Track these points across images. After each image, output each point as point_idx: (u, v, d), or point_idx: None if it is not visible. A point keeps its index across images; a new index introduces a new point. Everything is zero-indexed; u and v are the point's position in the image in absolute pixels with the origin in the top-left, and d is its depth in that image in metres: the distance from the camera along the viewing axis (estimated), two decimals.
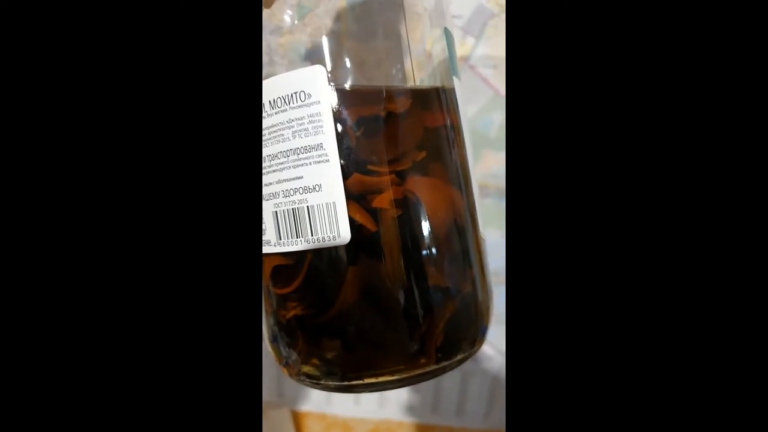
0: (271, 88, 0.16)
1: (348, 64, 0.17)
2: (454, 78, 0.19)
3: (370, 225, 0.16)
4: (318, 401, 0.36)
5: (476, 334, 0.18)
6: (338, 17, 0.18)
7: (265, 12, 0.20)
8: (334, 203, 0.16)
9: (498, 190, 0.30)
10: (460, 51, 0.29)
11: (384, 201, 0.16)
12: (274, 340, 0.19)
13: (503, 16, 0.29)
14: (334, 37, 0.18)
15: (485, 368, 0.33)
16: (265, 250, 0.17)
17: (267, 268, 0.18)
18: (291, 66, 0.20)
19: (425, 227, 0.17)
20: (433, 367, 0.17)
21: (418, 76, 0.19)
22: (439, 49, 0.19)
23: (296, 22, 0.19)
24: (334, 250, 0.16)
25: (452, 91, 0.18)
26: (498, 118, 0.29)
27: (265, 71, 0.20)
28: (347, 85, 0.16)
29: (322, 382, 0.17)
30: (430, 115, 0.18)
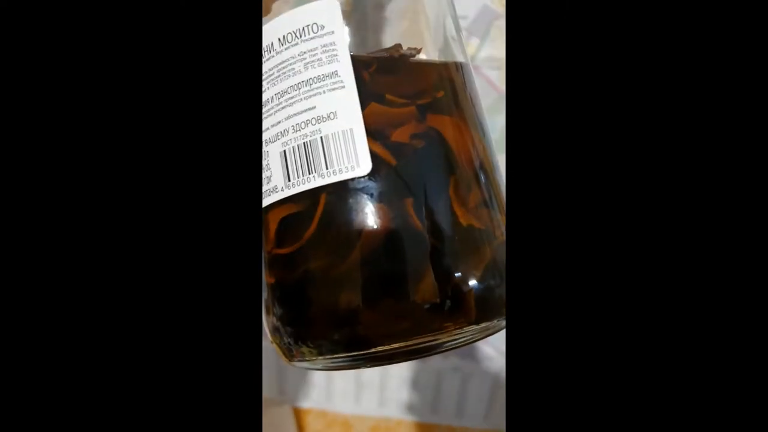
0: (281, 26, 0.15)
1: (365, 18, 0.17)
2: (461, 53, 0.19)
3: (389, 158, 0.14)
4: (319, 398, 0.36)
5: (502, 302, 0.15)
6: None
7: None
8: (351, 130, 0.14)
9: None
10: None
11: (404, 135, 0.15)
12: (275, 331, 0.16)
13: None
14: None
15: (485, 368, 0.32)
16: (271, 200, 0.15)
17: (272, 225, 0.15)
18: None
19: (451, 162, 0.15)
20: (474, 327, 0.14)
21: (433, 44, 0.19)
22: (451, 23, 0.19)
23: None
24: (352, 183, 0.14)
25: (465, 65, 0.18)
26: (501, 119, 0.29)
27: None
28: (363, 26, 0.16)
29: (339, 356, 0.14)
30: (444, 67, 0.17)
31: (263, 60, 0.16)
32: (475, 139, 0.16)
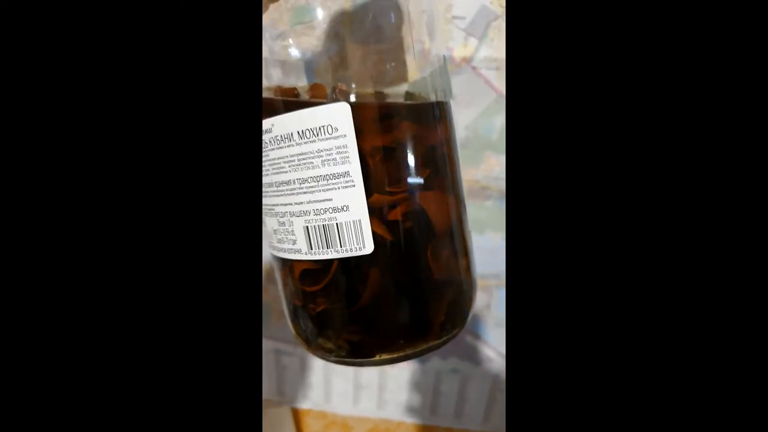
0: (300, 120, 0.18)
1: (352, 79, 0.20)
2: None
3: (387, 235, 0.19)
4: (318, 400, 0.35)
5: (465, 316, 0.23)
6: (339, 25, 0.20)
7: (269, 18, 0.22)
8: (360, 221, 0.19)
9: (499, 192, 0.30)
10: (462, 52, 0.29)
11: (398, 214, 0.20)
12: (294, 320, 0.22)
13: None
14: (337, 42, 0.20)
15: (485, 370, 0.32)
16: (295, 257, 0.20)
17: (296, 271, 0.21)
18: (291, 71, 0.23)
19: (430, 233, 0.20)
20: (437, 342, 0.21)
21: (420, 86, 0.22)
22: (437, 65, 0.22)
23: (293, 46, 0.21)
24: (359, 257, 0.19)
25: (448, 107, 0.22)
26: (500, 120, 0.29)
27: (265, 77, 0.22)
28: (367, 119, 0.19)
29: (347, 359, 0.21)
30: (431, 134, 0.21)
31: (284, 144, 0.19)
32: (450, 203, 0.21)
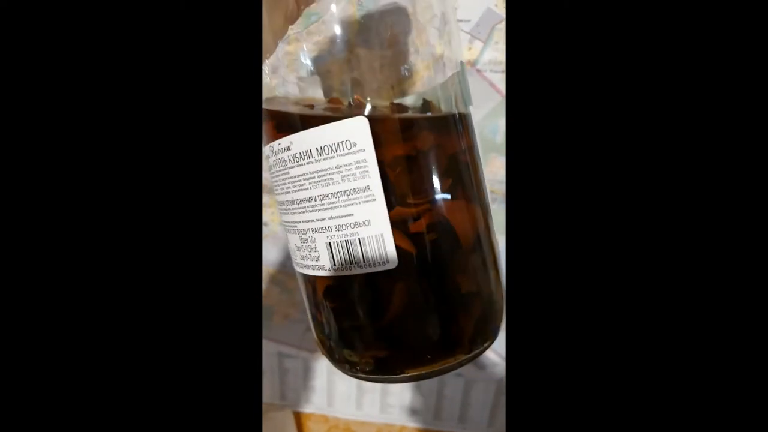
0: (318, 137, 0.18)
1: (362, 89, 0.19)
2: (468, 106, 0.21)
3: (411, 248, 0.19)
4: (320, 403, 0.35)
5: (496, 328, 0.22)
6: (347, 33, 0.20)
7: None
8: (382, 235, 0.18)
9: (504, 196, 0.31)
10: (467, 55, 0.29)
11: (421, 226, 0.19)
12: (319, 334, 0.22)
13: None
14: (346, 49, 0.20)
15: (489, 374, 0.32)
16: (319, 273, 0.20)
17: (320, 287, 0.21)
18: (305, 81, 0.22)
19: (455, 244, 0.20)
20: (467, 356, 0.21)
21: (436, 94, 0.21)
22: (454, 70, 0.22)
23: (303, 52, 0.21)
24: (383, 272, 0.19)
25: (468, 116, 0.21)
26: (504, 122, 0.29)
27: (272, 82, 0.22)
28: (385, 130, 0.19)
29: (372, 375, 0.21)
30: (451, 143, 0.20)
31: (303, 162, 0.19)
32: (476, 212, 0.21)
